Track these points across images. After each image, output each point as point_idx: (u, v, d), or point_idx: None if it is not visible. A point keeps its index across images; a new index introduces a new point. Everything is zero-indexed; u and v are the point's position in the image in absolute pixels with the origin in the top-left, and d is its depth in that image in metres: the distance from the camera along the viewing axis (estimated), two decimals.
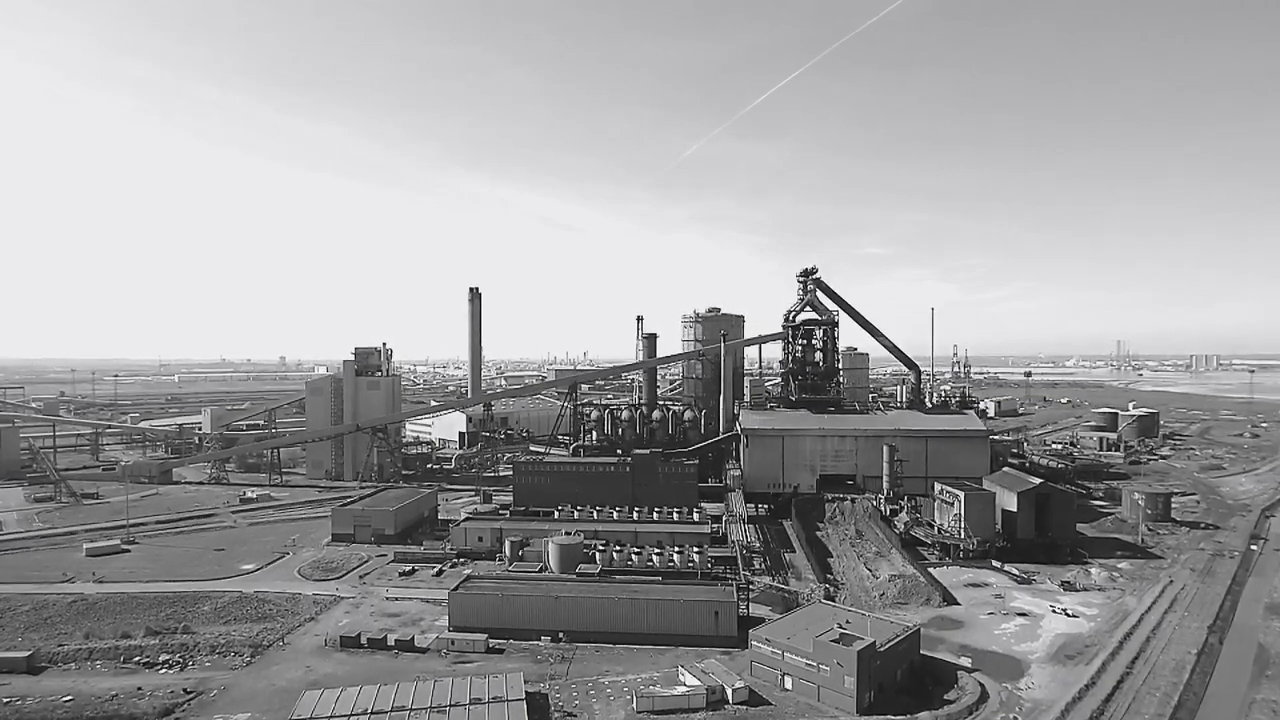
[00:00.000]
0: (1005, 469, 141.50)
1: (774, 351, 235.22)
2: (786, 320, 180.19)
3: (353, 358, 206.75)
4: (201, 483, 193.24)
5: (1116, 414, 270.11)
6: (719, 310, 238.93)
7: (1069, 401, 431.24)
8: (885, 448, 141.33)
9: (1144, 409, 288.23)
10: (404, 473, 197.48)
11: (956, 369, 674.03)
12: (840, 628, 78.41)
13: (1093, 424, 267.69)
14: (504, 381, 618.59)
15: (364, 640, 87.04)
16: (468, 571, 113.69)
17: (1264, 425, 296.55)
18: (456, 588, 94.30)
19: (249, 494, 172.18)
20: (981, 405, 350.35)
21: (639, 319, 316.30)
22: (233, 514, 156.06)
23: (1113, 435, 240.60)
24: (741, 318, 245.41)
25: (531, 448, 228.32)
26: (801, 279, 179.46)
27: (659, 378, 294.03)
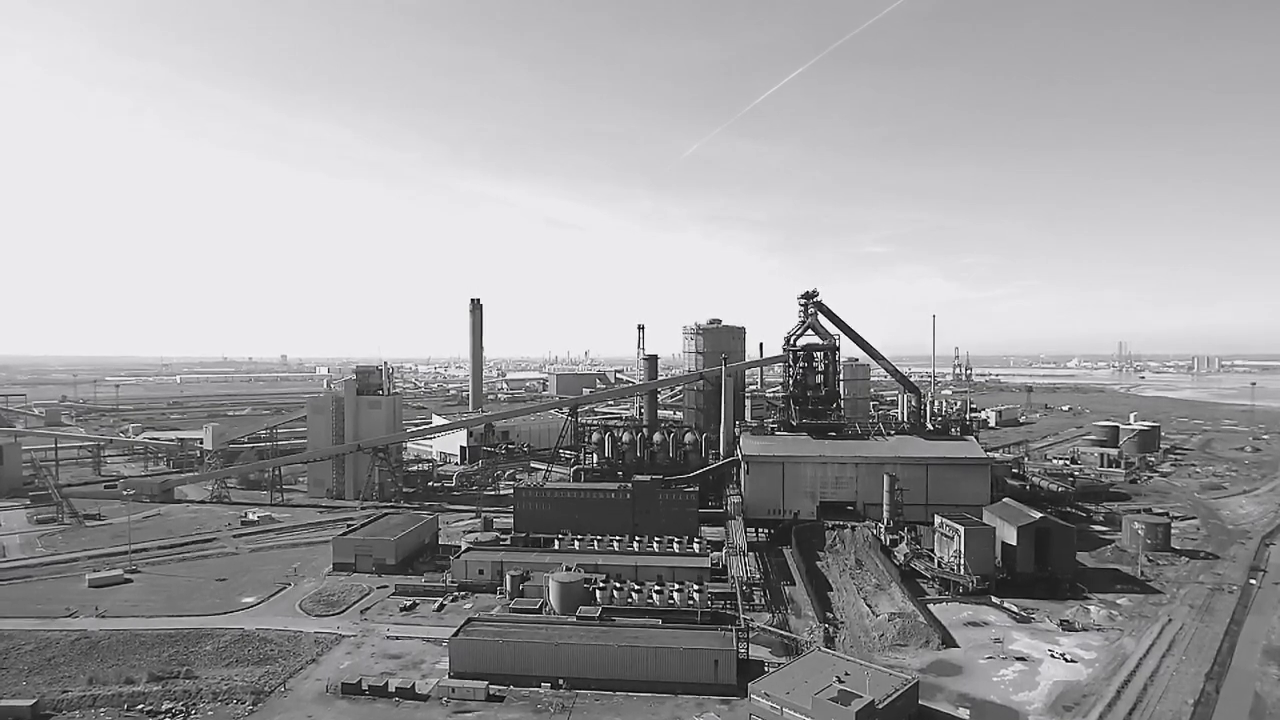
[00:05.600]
0: (1005, 500, 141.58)
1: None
2: (787, 343, 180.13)
3: (354, 375, 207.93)
4: (203, 501, 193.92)
5: (1118, 427, 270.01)
6: (720, 321, 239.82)
7: (1070, 409, 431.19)
8: (885, 477, 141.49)
9: (1145, 422, 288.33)
10: (405, 491, 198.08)
11: (957, 371, 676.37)
12: (839, 681, 78.69)
13: (1094, 438, 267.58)
14: (505, 384, 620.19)
15: (365, 687, 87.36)
16: (468, 606, 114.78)
17: (1265, 438, 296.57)
18: (457, 633, 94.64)
19: (251, 516, 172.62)
20: (983, 415, 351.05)
21: (640, 328, 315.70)
22: (234, 538, 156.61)
23: (1113, 451, 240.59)
24: (743, 329, 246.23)
25: (533, 464, 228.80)
26: (803, 301, 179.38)
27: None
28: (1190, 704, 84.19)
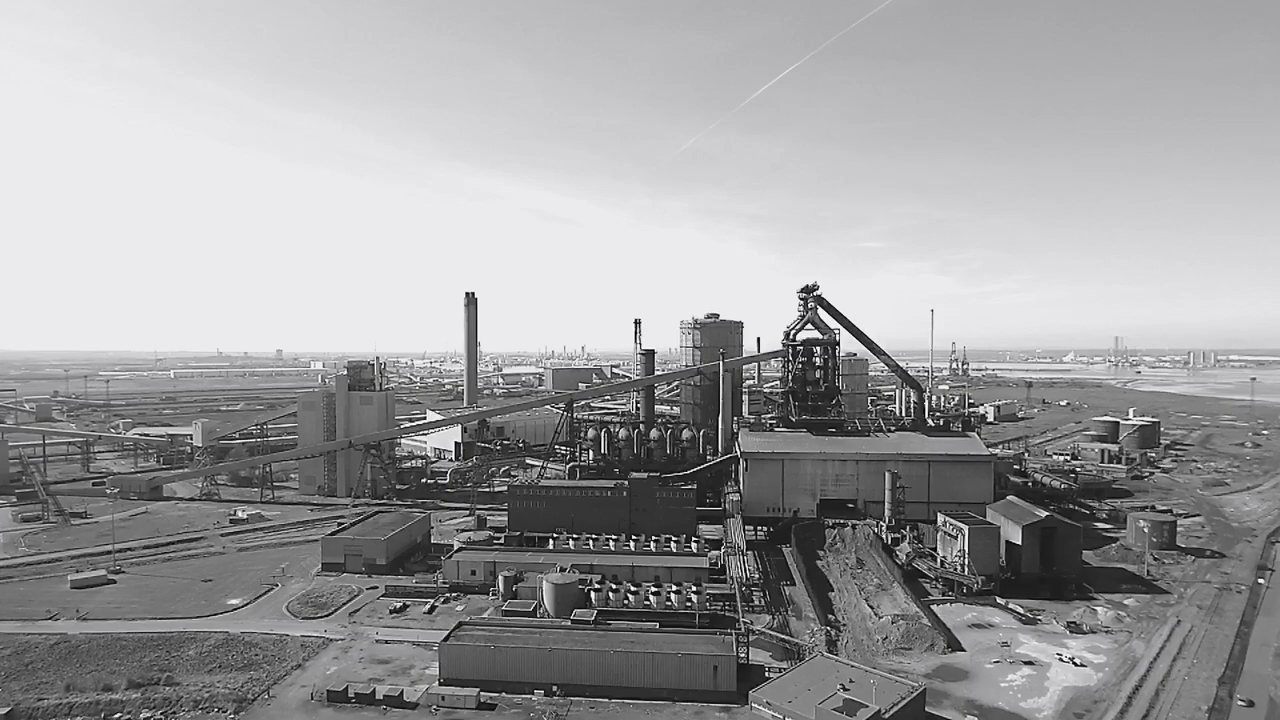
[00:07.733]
0: (1009, 499, 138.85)
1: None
2: (787, 338, 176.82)
3: (345, 372, 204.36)
4: (193, 499, 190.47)
5: (1118, 423, 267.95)
6: (718, 316, 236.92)
7: (1068, 404, 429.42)
8: (887, 474, 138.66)
9: (1144, 418, 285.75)
10: (398, 488, 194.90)
11: (954, 366, 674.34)
12: (843, 688, 75.99)
13: (1094, 433, 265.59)
14: (501, 379, 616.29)
15: (351, 695, 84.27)
16: (460, 609, 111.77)
17: (1265, 433, 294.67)
18: (447, 637, 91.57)
19: (239, 513, 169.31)
20: (981, 410, 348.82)
21: (637, 322, 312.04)
22: (222, 537, 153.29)
23: (1114, 447, 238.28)
24: (740, 324, 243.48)
25: (528, 460, 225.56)
26: (802, 296, 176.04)
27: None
28: (1204, 710, 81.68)
